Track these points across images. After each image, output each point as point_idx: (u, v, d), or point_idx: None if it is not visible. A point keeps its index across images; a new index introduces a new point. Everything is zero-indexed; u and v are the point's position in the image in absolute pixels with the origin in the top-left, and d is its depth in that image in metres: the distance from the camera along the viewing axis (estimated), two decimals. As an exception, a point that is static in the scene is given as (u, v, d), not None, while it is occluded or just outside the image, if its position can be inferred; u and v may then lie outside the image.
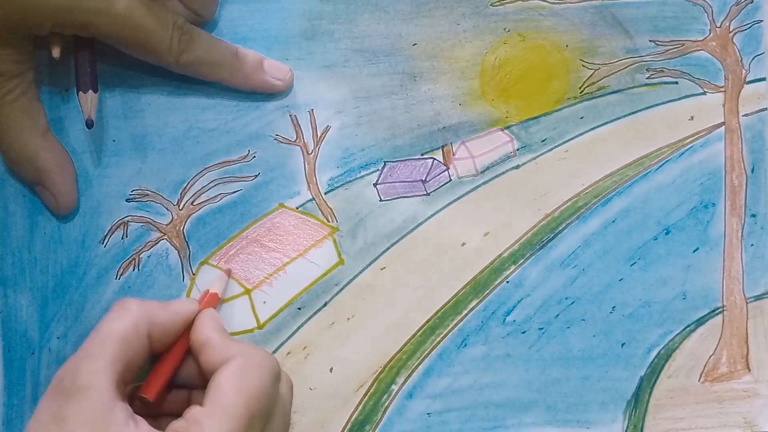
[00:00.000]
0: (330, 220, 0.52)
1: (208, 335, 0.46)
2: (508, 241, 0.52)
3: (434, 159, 0.52)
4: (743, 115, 0.52)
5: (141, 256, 0.51)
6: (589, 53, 0.52)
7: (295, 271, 0.52)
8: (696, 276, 0.52)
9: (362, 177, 0.52)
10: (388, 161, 0.52)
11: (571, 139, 0.52)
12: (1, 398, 0.51)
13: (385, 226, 0.52)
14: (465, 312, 0.52)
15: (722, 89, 0.52)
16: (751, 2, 0.52)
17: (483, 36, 0.52)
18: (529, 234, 0.52)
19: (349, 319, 0.52)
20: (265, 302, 0.51)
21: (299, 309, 0.51)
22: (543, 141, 0.52)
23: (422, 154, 0.52)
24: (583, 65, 0.52)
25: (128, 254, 0.51)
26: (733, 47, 0.52)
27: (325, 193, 0.52)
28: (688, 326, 0.52)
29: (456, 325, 0.52)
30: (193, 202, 0.52)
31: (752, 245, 0.52)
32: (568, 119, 0.52)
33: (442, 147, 0.52)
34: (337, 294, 0.52)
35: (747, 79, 0.52)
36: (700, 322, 0.52)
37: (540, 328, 0.52)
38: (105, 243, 0.51)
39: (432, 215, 0.52)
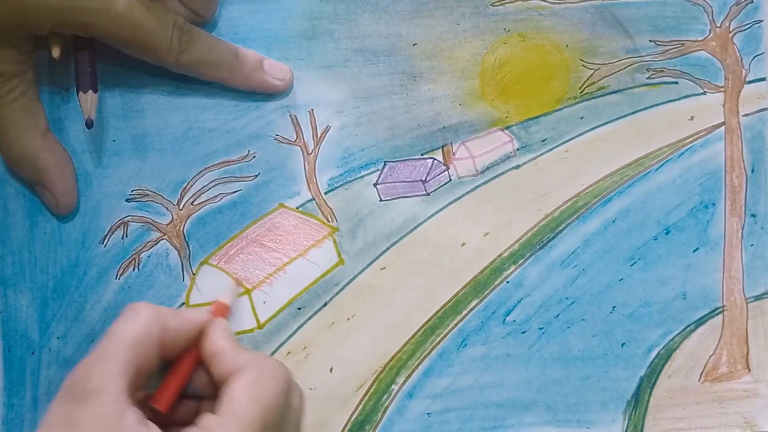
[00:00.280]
0: (330, 220, 0.52)
1: (220, 344, 0.46)
2: (508, 241, 0.52)
3: (434, 159, 0.52)
4: (743, 115, 0.52)
5: (141, 256, 0.51)
6: (589, 53, 0.52)
7: (295, 271, 0.52)
8: (696, 276, 0.52)
9: (362, 177, 0.52)
10: (388, 161, 0.52)
11: (571, 139, 0.52)
12: (1, 398, 0.51)
13: (385, 226, 0.52)
14: (465, 312, 0.52)
15: (722, 89, 0.52)
16: (751, 2, 0.52)
17: (483, 36, 0.52)
18: (529, 234, 0.52)
19: (349, 319, 0.52)
20: (265, 302, 0.51)
21: (299, 309, 0.51)
22: (543, 141, 0.52)
23: (422, 154, 0.52)
24: (583, 65, 0.52)
25: (128, 254, 0.51)
26: (733, 47, 0.52)
27: (325, 193, 0.52)
28: (688, 326, 0.52)
29: (456, 325, 0.52)
30: (193, 202, 0.52)
31: (752, 245, 0.52)
32: (568, 119, 0.52)
33: (442, 147, 0.52)
34: (337, 294, 0.52)
35: (747, 79, 0.52)
36: (700, 322, 0.52)
37: (540, 328, 0.52)
38: (105, 243, 0.51)
39: (432, 215, 0.52)
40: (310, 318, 0.51)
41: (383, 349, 0.51)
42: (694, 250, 0.52)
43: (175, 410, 0.46)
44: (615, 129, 0.52)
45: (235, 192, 0.52)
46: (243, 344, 0.50)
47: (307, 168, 0.52)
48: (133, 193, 0.51)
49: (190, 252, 0.52)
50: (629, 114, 0.52)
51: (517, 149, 0.52)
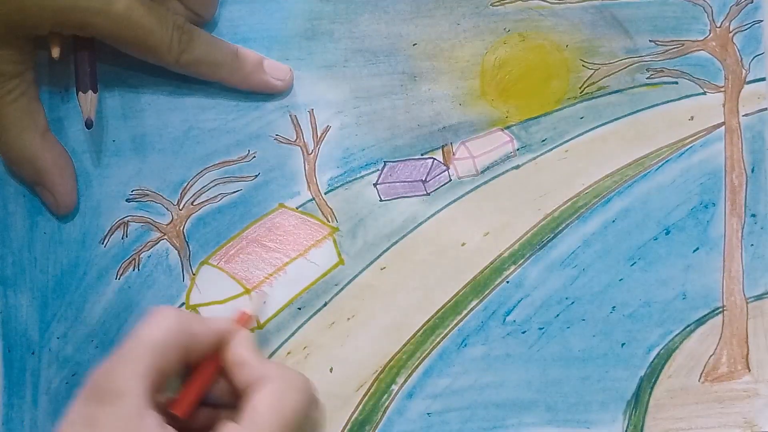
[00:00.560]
0: (330, 220, 0.52)
1: (245, 355, 0.46)
2: (508, 241, 0.52)
3: (434, 159, 0.52)
4: (743, 115, 0.52)
5: (141, 256, 0.51)
6: (589, 53, 0.52)
7: (295, 271, 0.52)
8: (696, 276, 0.52)
9: (362, 177, 0.52)
10: (388, 161, 0.52)
11: (571, 139, 0.52)
12: (1, 398, 0.51)
13: (385, 226, 0.52)
14: (465, 312, 0.52)
15: (722, 89, 0.52)
16: (751, 2, 0.52)
17: (483, 36, 0.52)
18: (529, 234, 0.52)
19: (349, 319, 0.52)
20: (265, 302, 0.51)
21: (299, 309, 0.51)
22: (543, 141, 0.52)
23: (422, 154, 0.52)
24: (583, 65, 0.52)
25: (128, 254, 0.51)
26: (733, 47, 0.52)
27: (325, 193, 0.52)
28: (688, 326, 0.52)
29: (456, 325, 0.52)
30: (193, 202, 0.52)
31: (752, 245, 0.52)
32: (568, 119, 0.52)
33: (442, 147, 0.52)
34: (337, 294, 0.52)
35: (747, 79, 0.52)
36: (700, 322, 0.52)
37: (540, 328, 0.52)
38: (105, 243, 0.51)
39: (432, 215, 0.52)
40: (310, 318, 0.51)
41: (383, 349, 0.51)
42: (694, 250, 0.52)
43: (192, 417, 0.46)
44: (615, 129, 0.52)
45: (235, 192, 0.52)
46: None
47: (307, 168, 0.52)
48: (133, 193, 0.51)
49: (190, 252, 0.52)
50: (629, 114, 0.52)
51: (517, 149, 0.52)
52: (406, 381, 0.51)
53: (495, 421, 0.51)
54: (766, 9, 0.52)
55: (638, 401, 0.51)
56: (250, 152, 0.52)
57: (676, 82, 0.52)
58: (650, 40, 0.52)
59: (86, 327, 0.51)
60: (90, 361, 0.51)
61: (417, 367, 0.51)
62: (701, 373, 0.52)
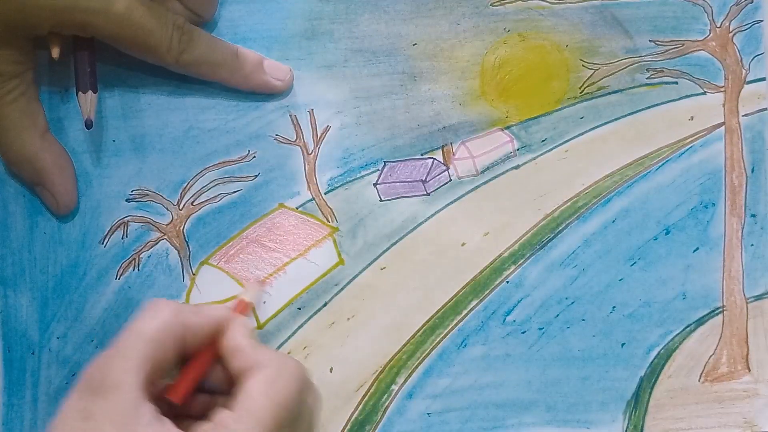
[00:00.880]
0: (330, 220, 0.52)
1: (240, 341, 0.46)
2: (508, 241, 0.52)
3: (434, 159, 0.52)
4: (743, 115, 0.52)
5: (141, 256, 0.51)
6: (589, 53, 0.52)
7: (295, 271, 0.52)
8: (696, 276, 0.52)
9: (362, 177, 0.52)
10: (388, 161, 0.52)
11: (571, 139, 0.52)
12: (1, 398, 0.51)
13: (385, 226, 0.52)
14: (465, 312, 0.52)
15: (722, 89, 0.52)
16: (751, 2, 0.52)
17: (483, 36, 0.52)
18: (529, 234, 0.52)
19: (349, 319, 0.52)
20: (265, 302, 0.51)
21: (299, 309, 0.51)
22: (543, 141, 0.52)
23: (422, 154, 0.52)
24: (583, 65, 0.52)
25: (128, 254, 0.51)
26: (733, 47, 0.52)
27: (325, 193, 0.52)
28: (688, 326, 0.52)
29: (456, 325, 0.52)
30: (193, 202, 0.52)
31: (752, 245, 0.52)
32: (568, 119, 0.52)
33: (442, 147, 0.52)
34: (337, 294, 0.52)
35: (747, 79, 0.52)
36: (700, 322, 0.52)
37: (540, 328, 0.52)
38: (105, 243, 0.51)
39: (432, 215, 0.52)
40: (310, 318, 0.51)
41: (383, 349, 0.51)
42: (694, 250, 0.52)
43: (189, 404, 0.46)
44: (615, 129, 0.52)
45: (235, 192, 0.52)
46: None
47: (307, 168, 0.52)
48: (133, 193, 0.51)
49: (190, 252, 0.52)
50: (629, 114, 0.52)
51: (517, 149, 0.52)
52: (406, 381, 0.51)
53: (495, 421, 0.51)
54: (766, 9, 0.52)
55: (638, 401, 0.51)
56: (250, 152, 0.52)
57: (676, 82, 0.52)
58: (650, 40, 0.52)
59: (86, 327, 0.51)
60: (90, 361, 0.50)
61: (417, 367, 0.51)
62: (701, 373, 0.52)
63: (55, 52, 0.48)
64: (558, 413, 0.51)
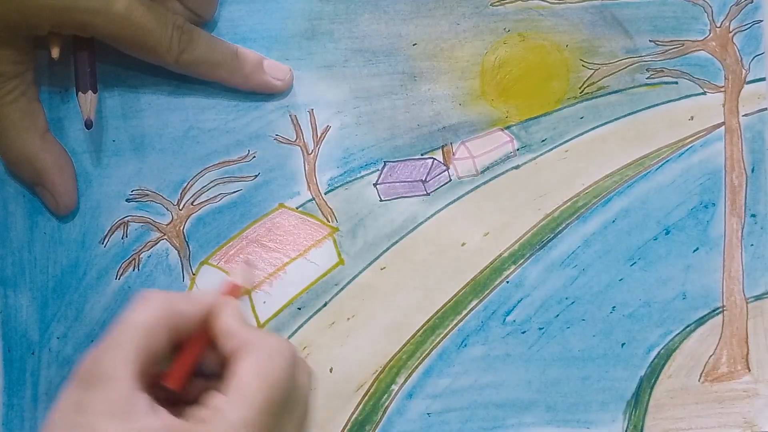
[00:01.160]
0: (330, 220, 0.52)
1: (227, 323, 0.45)
2: (508, 241, 0.52)
3: (434, 159, 0.52)
4: (743, 115, 0.52)
5: (141, 256, 0.51)
6: (589, 53, 0.52)
7: (295, 271, 0.52)
8: (696, 276, 0.52)
9: (362, 177, 0.52)
10: (388, 161, 0.52)
11: (571, 139, 0.52)
12: (1, 398, 0.51)
13: (385, 226, 0.52)
14: (465, 312, 0.52)
15: (722, 89, 0.52)
16: (751, 2, 0.52)
17: (483, 36, 0.52)
18: (529, 234, 0.52)
19: (349, 319, 0.52)
20: (265, 302, 0.51)
21: (299, 309, 0.51)
22: (543, 141, 0.52)
23: (422, 154, 0.52)
24: (583, 65, 0.52)
25: (128, 254, 0.51)
26: (733, 47, 0.52)
27: (325, 193, 0.52)
28: (688, 326, 0.52)
29: (456, 325, 0.52)
30: (193, 202, 0.52)
31: (752, 245, 0.52)
32: (568, 119, 0.52)
33: (442, 147, 0.52)
34: (337, 294, 0.52)
35: (747, 79, 0.52)
36: (700, 322, 0.52)
37: (540, 328, 0.52)
38: (105, 243, 0.51)
39: (432, 215, 0.52)
40: (310, 318, 0.51)
41: (383, 349, 0.51)
42: (694, 250, 0.52)
43: (185, 389, 0.46)
44: (615, 129, 0.52)
45: (235, 192, 0.52)
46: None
47: (307, 168, 0.52)
48: (133, 193, 0.51)
49: (190, 252, 0.52)
50: (629, 114, 0.52)
51: (517, 149, 0.52)
52: (406, 381, 0.51)
53: (495, 421, 0.51)
54: (766, 9, 0.52)
55: (638, 401, 0.51)
56: (250, 152, 0.52)
57: (676, 82, 0.52)
58: (650, 40, 0.52)
59: (86, 327, 0.51)
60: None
61: (417, 367, 0.51)
62: (701, 373, 0.52)
63: (55, 52, 0.48)
64: (558, 413, 0.51)
